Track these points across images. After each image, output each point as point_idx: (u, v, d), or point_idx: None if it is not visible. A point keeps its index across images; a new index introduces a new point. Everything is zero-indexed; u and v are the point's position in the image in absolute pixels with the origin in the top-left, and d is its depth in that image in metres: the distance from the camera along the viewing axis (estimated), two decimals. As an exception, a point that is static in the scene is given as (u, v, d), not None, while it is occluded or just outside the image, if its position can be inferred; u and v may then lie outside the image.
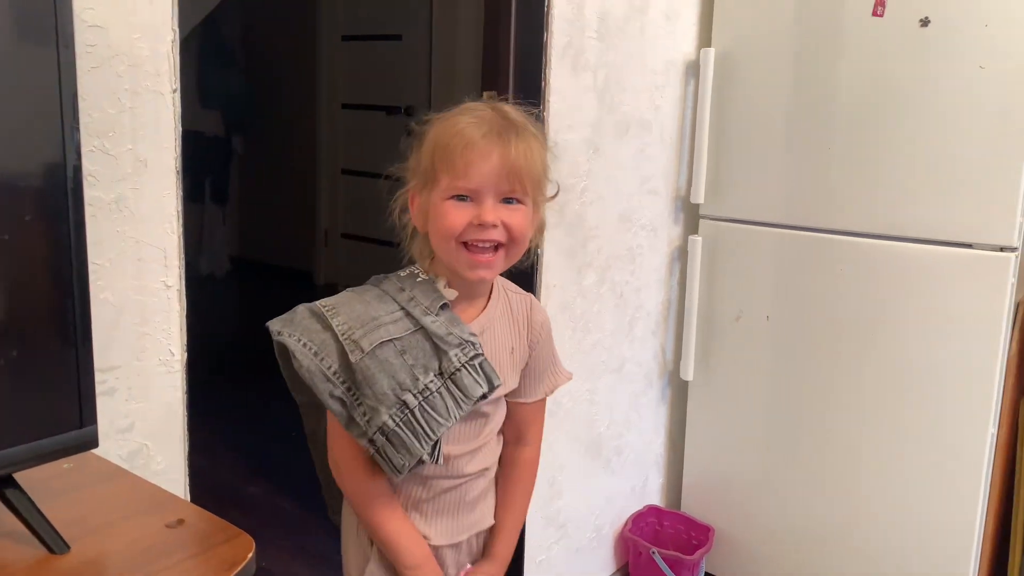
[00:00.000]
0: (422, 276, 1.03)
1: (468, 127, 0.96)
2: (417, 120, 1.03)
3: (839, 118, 1.85)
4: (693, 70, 2.05)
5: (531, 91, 1.64)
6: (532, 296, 1.14)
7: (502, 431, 1.14)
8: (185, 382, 1.10)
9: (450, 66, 3.20)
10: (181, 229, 1.09)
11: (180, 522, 0.79)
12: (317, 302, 1.01)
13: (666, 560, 1.97)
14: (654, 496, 2.21)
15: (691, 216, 2.12)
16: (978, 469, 1.73)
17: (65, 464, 0.87)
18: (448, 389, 0.98)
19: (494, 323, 1.07)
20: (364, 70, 4.49)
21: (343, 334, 0.97)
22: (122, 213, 1.02)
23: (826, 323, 1.89)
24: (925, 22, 1.72)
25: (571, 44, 1.66)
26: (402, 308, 1.00)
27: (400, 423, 0.95)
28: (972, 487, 1.73)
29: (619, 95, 1.82)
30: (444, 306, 1.01)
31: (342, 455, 1.03)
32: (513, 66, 1.60)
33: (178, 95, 1.07)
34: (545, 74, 1.61)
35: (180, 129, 1.08)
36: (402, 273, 1.05)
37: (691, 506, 2.16)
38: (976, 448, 1.73)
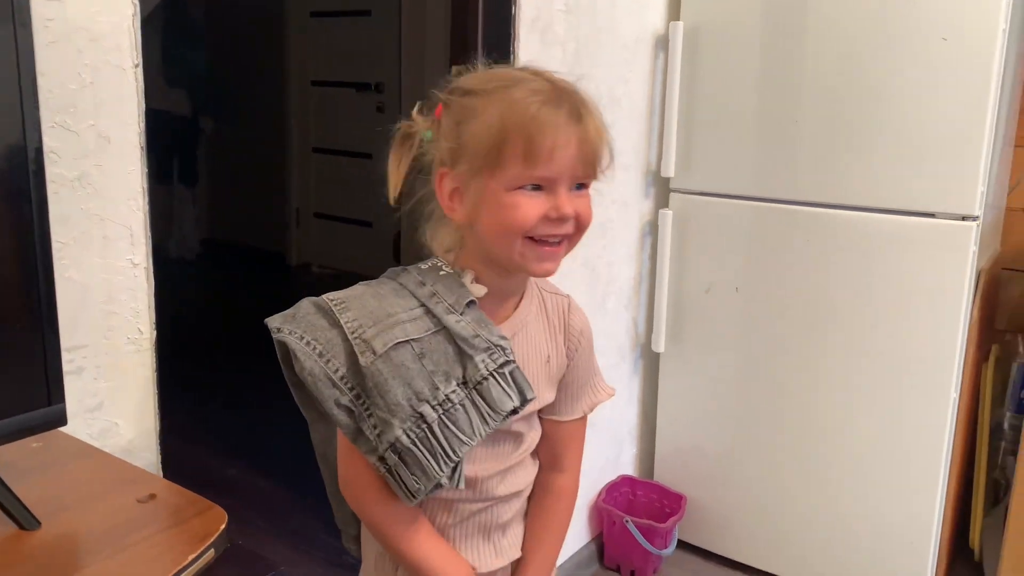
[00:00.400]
0: (446, 269, 0.90)
1: (545, 109, 0.83)
2: (443, 88, 0.89)
3: (806, 90, 1.86)
4: (662, 44, 2.05)
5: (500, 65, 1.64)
6: (570, 297, 1.01)
7: (536, 452, 1.01)
8: (155, 361, 1.10)
9: (420, 41, 3.18)
10: (147, 206, 1.08)
11: (151, 497, 0.79)
12: (325, 296, 0.89)
13: (639, 528, 2.00)
14: (628, 466, 2.24)
15: (662, 190, 2.13)
16: (941, 432, 1.77)
17: (34, 443, 0.87)
18: (473, 401, 0.85)
19: (528, 326, 0.94)
20: (333, 46, 4.44)
21: (352, 332, 0.85)
22: (86, 190, 1.01)
23: (794, 293, 1.92)
24: (889, -6, 1.74)
25: (540, 17, 1.66)
26: (422, 305, 0.88)
27: (416, 440, 0.83)
28: (935, 450, 1.78)
29: (589, 69, 1.82)
30: (471, 304, 0.88)
31: (354, 474, 0.90)
32: (481, 39, 1.59)
33: (140, 70, 1.06)
34: (514, 47, 1.61)
35: (143, 105, 1.07)
36: (423, 266, 0.92)
37: (664, 475, 2.20)
38: (939, 412, 1.77)
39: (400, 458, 0.83)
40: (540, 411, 1.00)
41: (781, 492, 1.99)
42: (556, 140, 0.82)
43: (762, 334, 1.98)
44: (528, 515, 1.03)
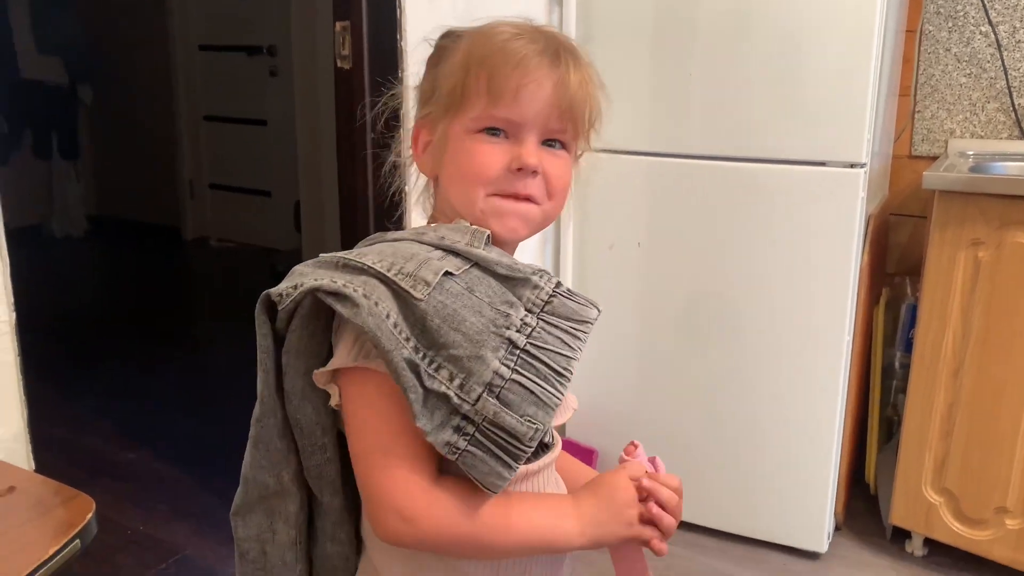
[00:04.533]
0: (438, 224, 0.79)
1: (518, 41, 0.74)
2: (444, 36, 0.81)
3: (699, 44, 1.86)
4: (557, -1, 2.02)
5: (387, 21, 1.57)
6: None
7: None
8: (17, 345, 1.01)
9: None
10: (-3, 177, 0.98)
11: (11, 489, 0.73)
12: (323, 255, 0.73)
13: (553, 487, 2.01)
14: (540, 426, 2.25)
15: (562, 147, 2.11)
16: (837, 374, 1.83)
17: None
18: (549, 323, 0.71)
19: None
20: (220, 8, 4.23)
21: (389, 269, 0.69)
22: (-78, 160, 0.91)
23: (693, 245, 1.94)
24: (777, -55, 1.75)
25: (426, -30, 1.60)
26: (438, 247, 0.73)
27: (518, 367, 0.68)
28: (832, 390, 1.84)
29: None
30: (489, 239, 0.76)
31: (411, 488, 0.69)
32: (365, -8, 1.53)
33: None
34: (400, 2, 1.55)
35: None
36: (403, 232, 0.79)
37: (575, 431, 2.21)
38: (835, 354, 1.82)
39: (500, 400, 0.67)
40: None
41: (687, 440, 2.03)
42: (524, 77, 0.73)
43: (663, 287, 2.00)
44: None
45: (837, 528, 2.01)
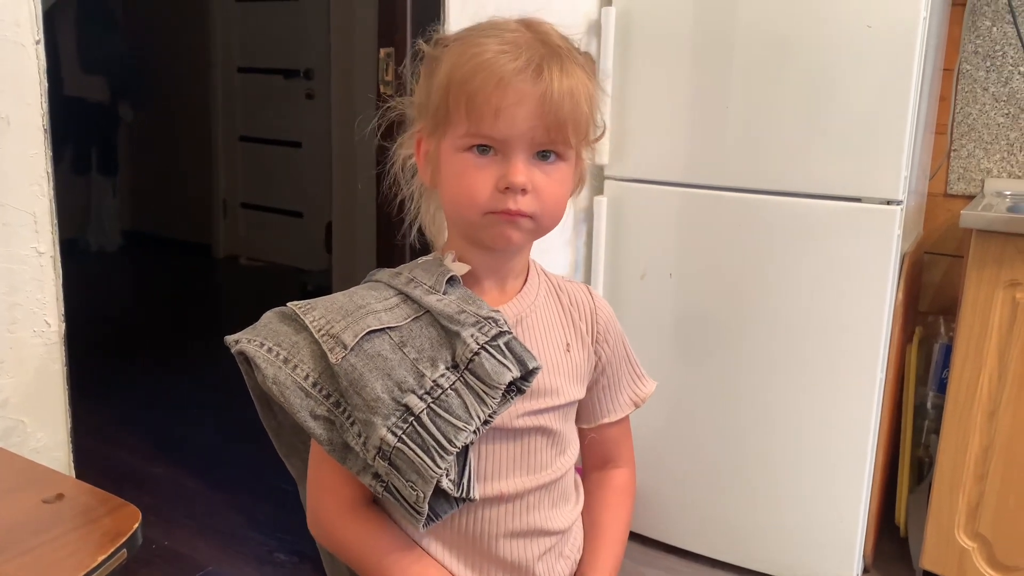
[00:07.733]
0: (426, 257, 0.83)
1: (498, 57, 0.73)
2: (426, 39, 0.82)
3: (736, 77, 1.88)
4: (595, 29, 2.04)
5: (430, 48, 1.60)
6: (588, 286, 0.94)
7: (583, 464, 0.90)
8: (65, 355, 1.03)
9: (349, 24, 3.11)
10: (52, 192, 1.01)
11: (59, 497, 0.74)
12: (289, 304, 0.80)
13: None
14: (565, 455, 2.23)
15: (596, 177, 2.12)
16: (868, 412, 1.81)
17: (-72, 444, 0.81)
18: (466, 382, 0.73)
19: (536, 310, 0.83)
20: (260, 32, 4.32)
21: (319, 330, 0.75)
22: (-17, 174, 0.94)
23: (725, 278, 1.94)
24: (816, -18, 1.76)
25: (470, -1, 1.63)
26: (399, 292, 0.78)
27: (404, 436, 0.71)
28: (863, 429, 1.82)
29: (520, 53, 1.80)
30: (452, 280, 0.78)
31: (326, 499, 0.80)
32: (410, 19, 1.55)
33: (42, 47, 0.99)
34: (444, 30, 1.58)
35: (47, 84, 1.00)
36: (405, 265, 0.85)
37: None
38: (867, 392, 1.81)
39: (391, 463, 0.71)
40: (580, 420, 0.90)
41: (713, 474, 2.01)
42: (503, 98, 0.72)
43: (694, 319, 1.99)
44: (586, 515, 0.92)
45: (866, 570, 1.98)
